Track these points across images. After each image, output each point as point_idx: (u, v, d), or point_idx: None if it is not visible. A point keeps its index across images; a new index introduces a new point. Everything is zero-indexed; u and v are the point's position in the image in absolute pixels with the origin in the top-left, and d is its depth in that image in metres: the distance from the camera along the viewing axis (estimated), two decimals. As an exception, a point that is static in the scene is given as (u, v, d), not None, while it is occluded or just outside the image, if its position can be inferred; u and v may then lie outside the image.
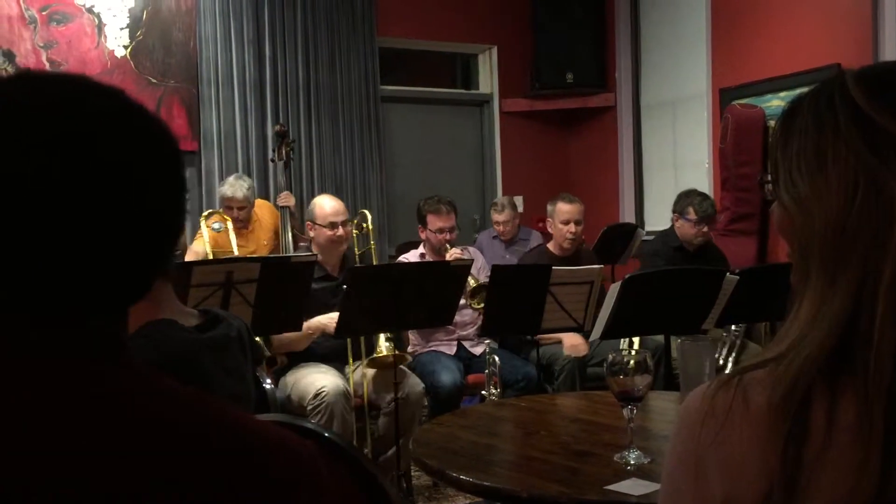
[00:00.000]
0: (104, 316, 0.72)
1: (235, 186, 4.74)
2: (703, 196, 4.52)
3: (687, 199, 4.46)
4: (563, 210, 4.35)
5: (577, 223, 4.34)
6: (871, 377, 0.70)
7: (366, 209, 4.53)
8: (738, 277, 3.33)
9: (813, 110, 0.79)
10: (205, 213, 4.69)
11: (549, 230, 4.47)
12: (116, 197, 0.68)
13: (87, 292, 0.69)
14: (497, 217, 5.52)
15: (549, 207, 4.45)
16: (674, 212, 4.53)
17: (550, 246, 4.46)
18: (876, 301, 0.71)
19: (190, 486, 0.66)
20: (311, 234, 3.85)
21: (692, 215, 4.40)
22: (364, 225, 4.05)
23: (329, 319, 3.47)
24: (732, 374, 0.78)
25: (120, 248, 0.69)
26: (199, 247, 4.62)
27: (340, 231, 3.76)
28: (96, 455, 0.64)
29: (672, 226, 4.57)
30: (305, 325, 3.46)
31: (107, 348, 0.71)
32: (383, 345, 3.59)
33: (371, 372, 3.64)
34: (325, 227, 3.75)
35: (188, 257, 4.33)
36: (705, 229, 4.42)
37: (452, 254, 3.98)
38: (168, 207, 0.74)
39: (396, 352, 3.53)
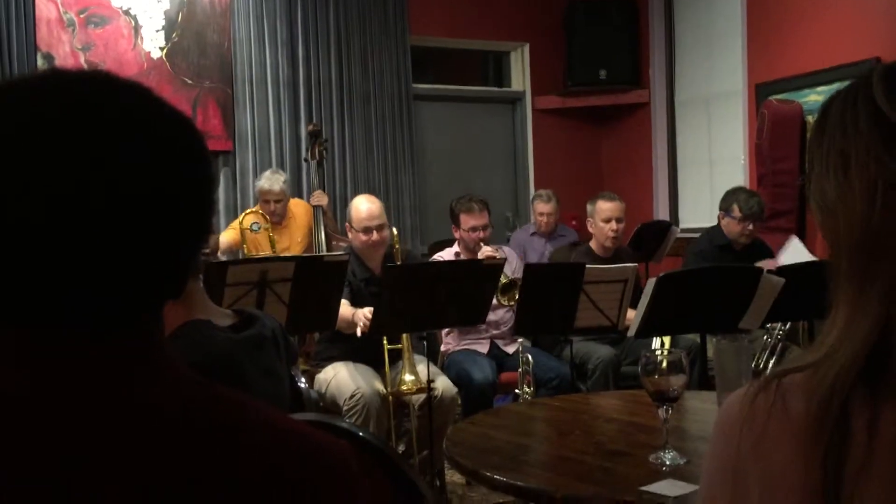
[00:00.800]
0: (139, 318, 0.72)
1: (272, 180, 4.81)
2: (750, 193, 4.43)
3: (732, 197, 4.39)
4: (604, 208, 4.32)
5: (618, 220, 4.32)
6: None
7: (397, 211, 4.39)
8: (780, 279, 3.28)
9: (840, 110, 0.76)
10: (245, 213, 4.74)
11: (590, 229, 4.44)
12: (144, 197, 0.68)
13: (119, 295, 0.69)
14: (543, 208, 5.48)
15: (588, 207, 4.42)
16: (720, 209, 4.47)
17: (592, 245, 4.43)
18: None
19: (225, 486, 0.66)
20: (350, 235, 3.86)
21: (737, 213, 4.33)
22: (393, 246, 3.89)
23: (361, 313, 3.45)
24: (772, 376, 0.76)
25: (150, 248, 0.69)
26: (231, 237, 4.67)
27: (375, 236, 3.72)
28: (134, 456, 0.65)
29: (718, 223, 4.51)
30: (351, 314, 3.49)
31: (144, 350, 0.71)
32: (408, 378, 3.55)
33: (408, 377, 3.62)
34: (359, 231, 3.75)
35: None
36: (750, 227, 4.33)
37: (485, 252, 3.97)
38: (197, 205, 0.73)
39: (421, 384, 3.50)
